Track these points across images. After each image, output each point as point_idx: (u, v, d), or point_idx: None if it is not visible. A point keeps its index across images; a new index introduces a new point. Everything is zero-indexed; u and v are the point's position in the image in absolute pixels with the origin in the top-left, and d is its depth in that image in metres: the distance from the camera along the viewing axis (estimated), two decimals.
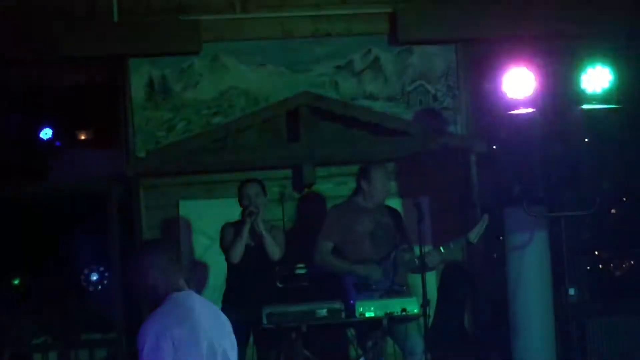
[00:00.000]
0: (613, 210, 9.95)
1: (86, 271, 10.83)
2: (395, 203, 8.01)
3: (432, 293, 7.97)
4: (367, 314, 6.99)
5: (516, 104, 7.44)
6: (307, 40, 8.63)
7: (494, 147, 8.18)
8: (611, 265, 10.33)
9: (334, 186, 8.50)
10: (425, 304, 6.94)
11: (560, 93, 7.61)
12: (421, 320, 7.03)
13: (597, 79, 7.48)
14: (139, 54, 8.47)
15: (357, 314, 6.99)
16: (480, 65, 8.48)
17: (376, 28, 8.66)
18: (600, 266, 10.30)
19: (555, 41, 8.45)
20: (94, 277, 10.93)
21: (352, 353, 7.78)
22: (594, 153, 7.56)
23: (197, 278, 8.17)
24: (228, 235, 7.46)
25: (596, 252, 10.26)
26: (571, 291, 7.79)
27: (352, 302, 7.02)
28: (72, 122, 10.63)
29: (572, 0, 8.62)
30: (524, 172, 7.53)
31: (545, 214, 7.78)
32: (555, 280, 8.00)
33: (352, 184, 7.72)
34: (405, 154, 8.43)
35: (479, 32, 8.58)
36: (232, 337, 4.41)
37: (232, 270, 7.46)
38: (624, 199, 9.40)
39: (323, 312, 7.02)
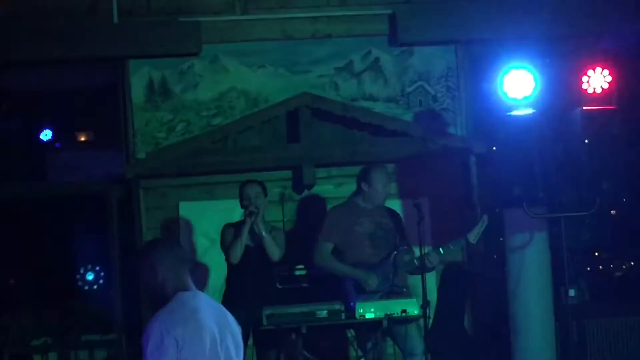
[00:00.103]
0: (613, 211, 9.94)
1: (82, 270, 10.85)
2: (395, 204, 8.01)
3: (432, 294, 7.98)
4: (367, 315, 6.99)
5: (516, 105, 7.44)
6: (307, 41, 8.62)
7: (494, 148, 8.17)
8: (611, 266, 10.30)
9: (334, 187, 8.50)
10: (425, 305, 6.94)
11: (560, 94, 7.61)
12: (421, 321, 7.04)
13: (596, 79, 7.49)
14: (138, 55, 8.45)
15: (357, 315, 6.99)
16: (480, 66, 8.47)
17: (376, 29, 8.65)
18: (600, 267, 10.27)
19: (555, 42, 8.44)
20: (90, 277, 10.95)
21: (352, 354, 7.79)
22: (594, 153, 7.56)
23: (198, 279, 8.12)
24: (228, 235, 7.46)
25: (596, 253, 10.23)
26: (571, 292, 7.77)
27: (352, 304, 7.03)
28: (72, 123, 10.64)
29: (572, 0, 8.62)
30: (523, 173, 7.53)
31: (545, 214, 7.78)
32: (555, 280, 7.99)
33: (352, 185, 7.72)
34: (405, 155, 8.42)
35: (479, 33, 8.57)
36: (238, 338, 4.40)
37: (232, 271, 7.46)
38: (624, 199, 9.39)
39: (323, 313, 7.02)
